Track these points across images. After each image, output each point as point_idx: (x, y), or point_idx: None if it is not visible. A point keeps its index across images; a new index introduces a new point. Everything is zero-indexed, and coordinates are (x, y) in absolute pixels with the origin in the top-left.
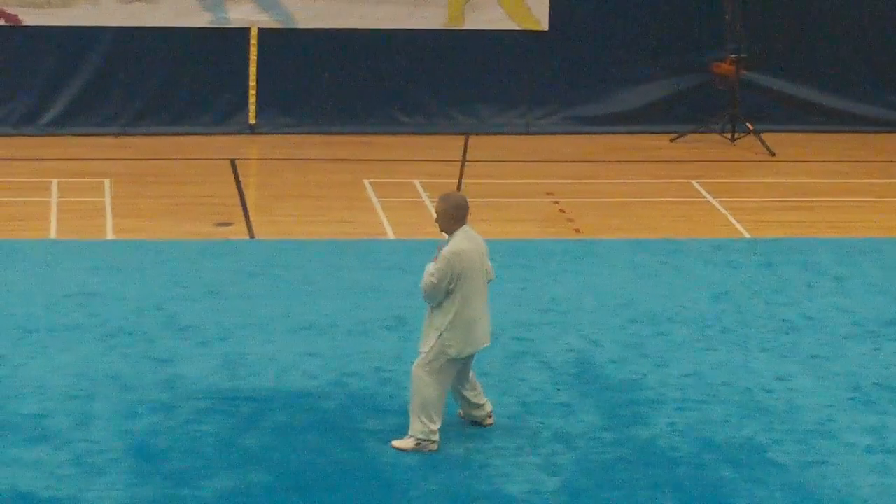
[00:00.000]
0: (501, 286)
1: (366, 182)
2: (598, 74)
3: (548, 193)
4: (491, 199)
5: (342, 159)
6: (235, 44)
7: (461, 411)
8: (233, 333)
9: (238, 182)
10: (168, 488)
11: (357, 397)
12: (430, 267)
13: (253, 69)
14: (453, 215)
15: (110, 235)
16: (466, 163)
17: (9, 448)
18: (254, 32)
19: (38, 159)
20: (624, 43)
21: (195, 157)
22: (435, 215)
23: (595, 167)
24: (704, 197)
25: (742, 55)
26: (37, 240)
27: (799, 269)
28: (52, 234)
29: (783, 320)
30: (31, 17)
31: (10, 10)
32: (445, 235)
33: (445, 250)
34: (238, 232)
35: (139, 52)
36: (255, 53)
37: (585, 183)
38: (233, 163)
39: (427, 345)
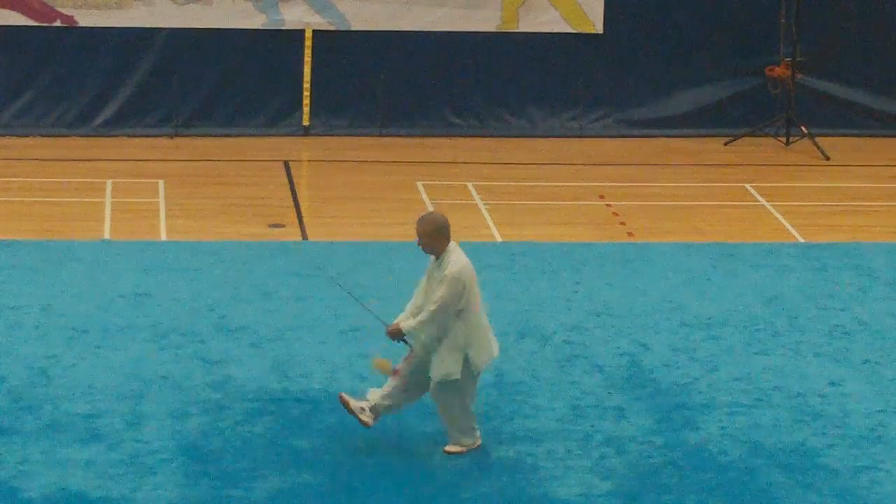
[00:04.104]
0: (553, 289)
1: (418, 184)
2: (652, 77)
3: (600, 196)
4: (543, 202)
5: (395, 161)
6: (290, 45)
7: (386, 402)
8: (283, 335)
9: (291, 183)
10: (218, 489)
11: None
12: (423, 315)
13: (307, 71)
14: (438, 236)
15: (164, 236)
16: (516, 165)
17: (60, 448)
18: (308, 34)
19: (92, 160)
20: (678, 46)
21: (249, 158)
22: (418, 239)
23: (648, 170)
24: (758, 201)
25: (797, 58)
26: (91, 240)
27: (852, 273)
28: (106, 235)
29: (836, 325)
30: (86, 19)
31: (66, 12)
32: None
33: (449, 272)
34: (291, 233)
35: (193, 54)
36: (310, 55)
37: (638, 186)
38: (286, 164)
39: (449, 368)
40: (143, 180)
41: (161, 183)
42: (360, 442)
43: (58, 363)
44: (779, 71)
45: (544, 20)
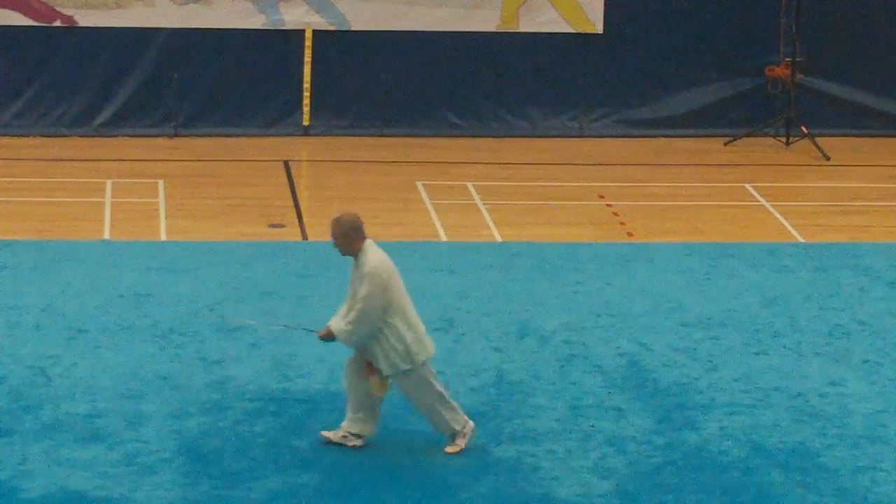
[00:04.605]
0: (553, 289)
1: (418, 184)
2: (652, 77)
3: (600, 196)
4: (543, 202)
5: (395, 161)
6: (290, 45)
7: (347, 431)
8: (283, 335)
9: (291, 183)
10: (218, 489)
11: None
12: (339, 321)
13: (307, 71)
14: (353, 236)
15: (163, 236)
16: (516, 165)
17: (60, 447)
18: (308, 34)
19: (92, 160)
20: (678, 46)
21: (249, 158)
22: (333, 241)
23: (648, 170)
24: (758, 201)
25: (797, 59)
26: (90, 240)
27: (852, 273)
28: (106, 235)
29: (836, 325)
30: (86, 19)
31: (66, 12)
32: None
33: (366, 270)
34: (291, 233)
35: (193, 54)
36: (310, 55)
37: (638, 186)
38: (286, 164)
39: (393, 361)
40: (143, 180)
41: (161, 183)
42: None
43: (58, 363)
44: (779, 71)
45: (544, 20)
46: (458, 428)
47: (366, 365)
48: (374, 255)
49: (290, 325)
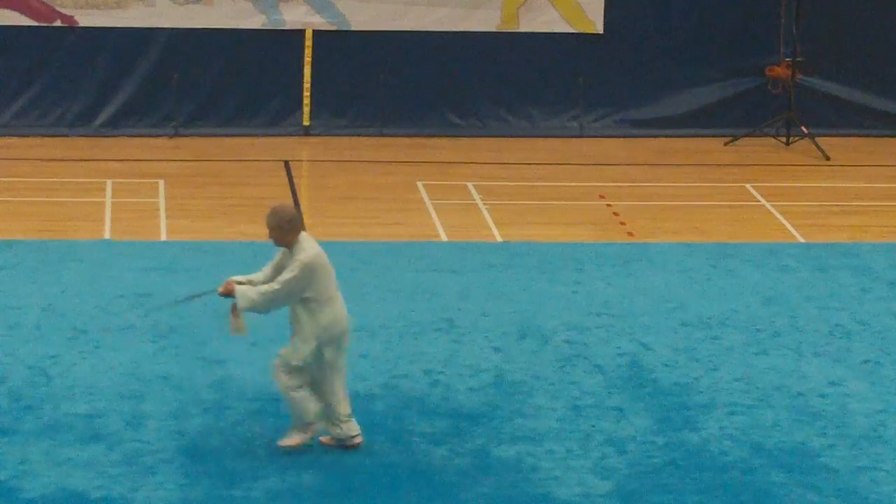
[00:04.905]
0: (553, 289)
1: (419, 184)
2: (653, 77)
3: (600, 196)
4: (543, 202)
5: (395, 161)
6: (290, 46)
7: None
8: (284, 335)
9: (291, 183)
10: (218, 489)
11: (407, 399)
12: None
13: (307, 71)
14: (288, 228)
15: (164, 236)
16: (516, 165)
17: (61, 448)
18: (308, 34)
19: (92, 160)
20: (678, 46)
21: (249, 158)
22: (268, 231)
23: (648, 170)
24: (758, 201)
25: (797, 58)
26: (91, 240)
27: (853, 273)
28: (107, 235)
29: (836, 325)
30: (86, 19)
31: (66, 12)
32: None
33: (300, 258)
34: None
35: (193, 54)
36: (310, 55)
37: (638, 186)
38: (286, 164)
39: (301, 355)
40: (143, 180)
41: (161, 183)
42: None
43: (58, 363)
44: (779, 71)
45: (544, 20)
46: (305, 415)
47: (232, 308)
48: (310, 247)
49: (197, 293)
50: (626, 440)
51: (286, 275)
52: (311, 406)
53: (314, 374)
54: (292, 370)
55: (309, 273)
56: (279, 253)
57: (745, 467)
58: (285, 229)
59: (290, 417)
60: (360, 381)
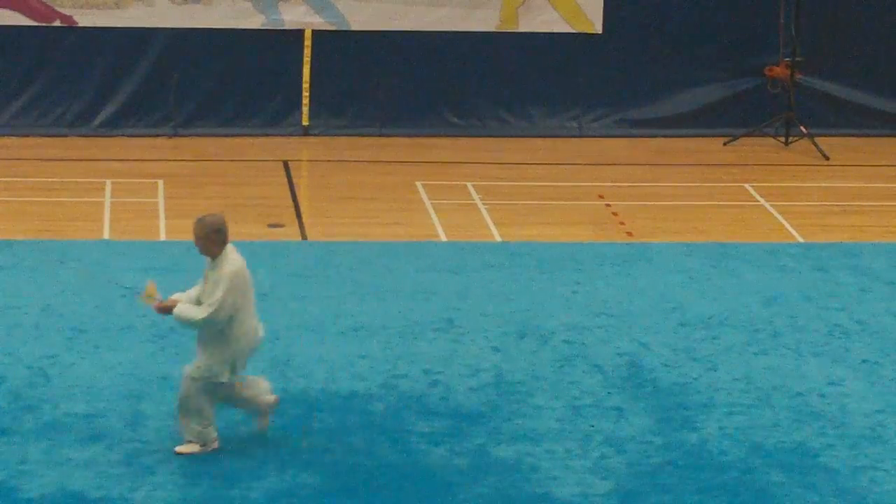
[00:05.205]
0: (553, 289)
1: (418, 184)
2: (652, 77)
3: (600, 196)
4: (543, 202)
5: (394, 161)
6: (289, 45)
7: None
8: (283, 335)
9: (291, 183)
10: (217, 489)
11: (406, 399)
12: (192, 309)
13: (307, 71)
14: (215, 239)
15: (163, 236)
16: (516, 165)
17: (60, 448)
18: (308, 34)
19: (91, 160)
20: (678, 46)
21: (248, 158)
22: (195, 242)
23: (647, 170)
24: (758, 201)
25: (796, 58)
26: (90, 240)
27: (852, 273)
28: (106, 235)
29: (835, 325)
30: (85, 19)
31: (66, 12)
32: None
33: (225, 271)
34: (290, 233)
35: (193, 54)
36: (309, 55)
37: (637, 186)
38: (285, 164)
39: (216, 370)
40: (142, 180)
41: (161, 183)
42: (360, 442)
43: (57, 363)
44: (778, 71)
45: (544, 20)
46: (204, 440)
47: (149, 284)
48: (234, 260)
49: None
50: (626, 440)
51: (217, 293)
52: (212, 430)
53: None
54: (212, 389)
55: (234, 287)
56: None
57: (744, 467)
58: (212, 239)
59: (184, 427)
60: (359, 380)
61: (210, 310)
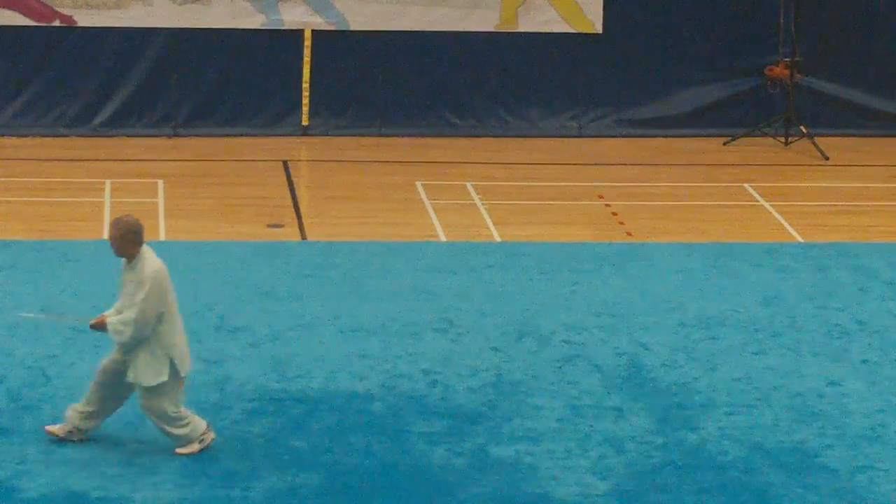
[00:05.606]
0: (553, 289)
1: (418, 184)
2: (651, 77)
3: (599, 196)
4: (543, 202)
5: (394, 161)
6: (289, 46)
7: (74, 425)
8: (283, 335)
9: (290, 183)
10: (217, 489)
11: (406, 399)
12: (123, 316)
13: (306, 71)
14: (132, 240)
15: (163, 236)
16: (515, 165)
17: (60, 448)
18: (307, 34)
19: (91, 160)
20: (677, 46)
21: (248, 158)
22: (110, 242)
23: (647, 170)
24: (757, 200)
25: (796, 58)
26: (90, 240)
27: (851, 273)
28: (106, 235)
29: (835, 325)
30: (85, 19)
31: (66, 12)
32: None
33: (146, 273)
34: (290, 233)
35: (192, 54)
36: (309, 55)
37: (637, 186)
38: (285, 164)
39: (157, 371)
40: (142, 180)
41: (160, 183)
42: (359, 442)
43: (56, 363)
44: (778, 71)
45: (543, 20)
46: (192, 437)
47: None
48: (152, 260)
49: (61, 315)
50: (625, 440)
51: (139, 294)
52: (198, 423)
53: (120, 386)
54: (162, 391)
55: (157, 287)
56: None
57: (743, 467)
58: (129, 240)
59: (168, 435)
60: (358, 380)
61: (137, 308)
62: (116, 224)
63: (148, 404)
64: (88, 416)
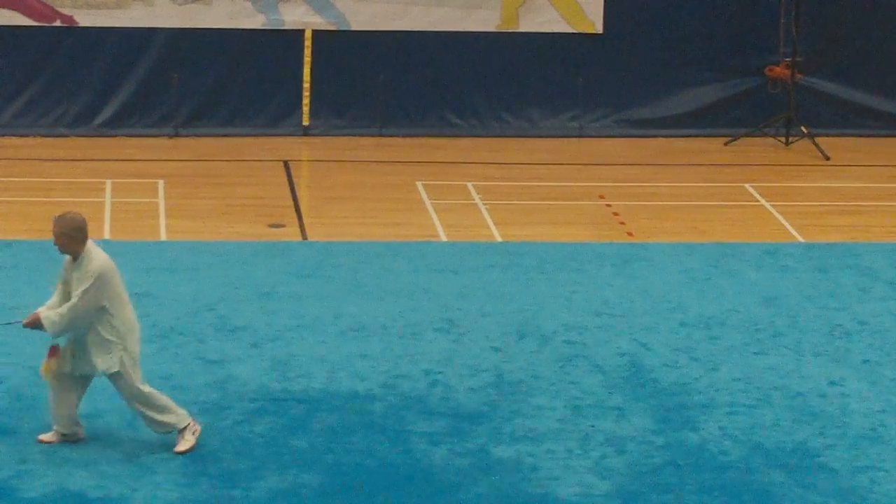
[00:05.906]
0: (553, 289)
1: (418, 184)
2: (652, 77)
3: (600, 196)
4: (543, 202)
5: (395, 161)
6: (289, 45)
7: (62, 434)
8: (283, 335)
9: (291, 183)
10: (218, 489)
11: (407, 399)
12: (55, 313)
13: (307, 71)
14: (76, 237)
15: (163, 236)
16: (516, 165)
17: (59, 447)
18: (308, 34)
19: (92, 160)
20: (678, 46)
21: (248, 158)
22: (54, 240)
23: (648, 170)
24: (758, 201)
25: (797, 58)
26: (89, 240)
27: (852, 273)
28: (106, 235)
29: (836, 325)
30: (86, 19)
31: (66, 12)
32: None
33: (91, 268)
34: (290, 233)
35: (193, 54)
36: (310, 55)
37: (638, 186)
38: (286, 164)
39: (111, 362)
40: (142, 180)
41: (161, 183)
42: (360, 442)
43: None
44: (779, 71)
45: (544, 20)
46: (179, 425)
47: (50, 349)
48: (98, 256)
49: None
50: (626, 440)
51: (81, 287)
52: (180, 410)
53: (77, 383)
54: (129, 375)
55: (102, 282)
56: (63, 268)
57: (744, 467)
58: (73, 237)
59: (155, 425)
60: (359, 380)
61: (76, 299)
62: (60, 221)
63: (126, 393)
64: (67, 422)
